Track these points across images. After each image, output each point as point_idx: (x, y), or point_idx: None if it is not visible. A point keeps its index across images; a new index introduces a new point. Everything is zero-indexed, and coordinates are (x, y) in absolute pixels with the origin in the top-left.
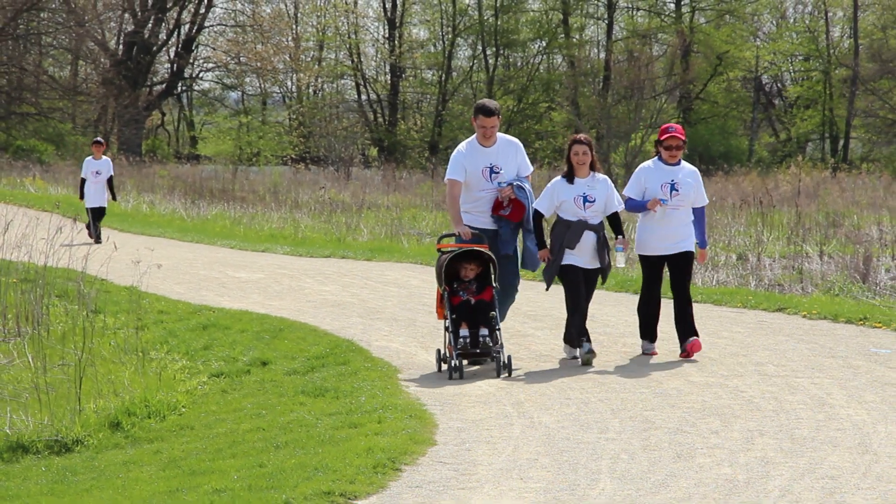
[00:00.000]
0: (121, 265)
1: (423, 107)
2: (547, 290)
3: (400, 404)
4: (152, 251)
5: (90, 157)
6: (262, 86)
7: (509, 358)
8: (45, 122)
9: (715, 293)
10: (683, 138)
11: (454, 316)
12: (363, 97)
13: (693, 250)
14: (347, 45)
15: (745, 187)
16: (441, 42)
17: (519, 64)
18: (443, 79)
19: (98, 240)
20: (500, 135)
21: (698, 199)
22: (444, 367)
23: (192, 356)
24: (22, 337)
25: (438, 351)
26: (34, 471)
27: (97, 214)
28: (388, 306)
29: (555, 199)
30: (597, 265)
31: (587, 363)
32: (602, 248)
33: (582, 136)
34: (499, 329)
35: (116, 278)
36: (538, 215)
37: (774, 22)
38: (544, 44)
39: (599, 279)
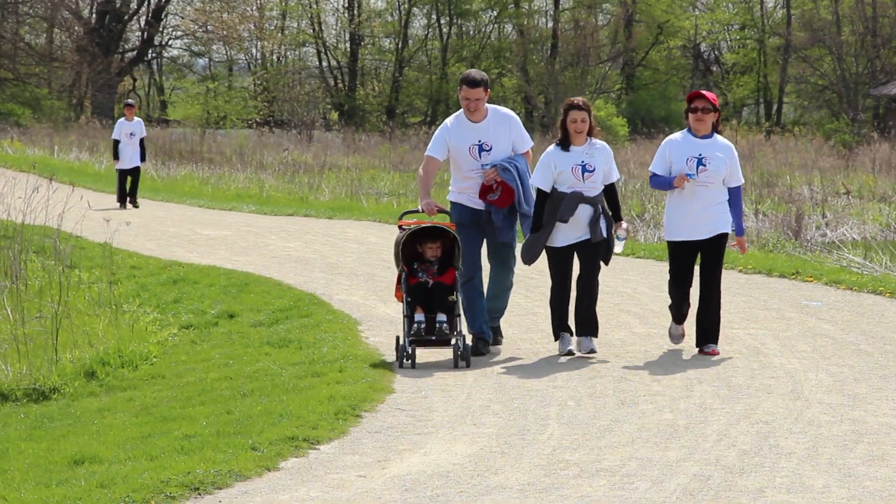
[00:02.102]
0: (94, 223)
1: (380, 73)
2: (528, 264)
3: (360, 354)
4: (123, 210)
5: (122, 119)
6: (229, 53)
7: (467, 347)
8: (22, 87)
9: (657, 249)
10: (716, 103)
11: (409, 299)
12: (324, 64)
13: (728, 232)
14: (309, 15)
15: None
16: (398, 12)
17: (471, 33)
18: (399, 47)
19: (129, 204)
20: (492, 107)
21: (732, 178)
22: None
23: (163, 309)
24: (1, 291)
25: (397, 339)
26: (13, 417)
27: (133, 174)
28: (349, 262)
29: (552, 170)
30: (587, 237)
31: (568, 354)
32: (596, 221)
33: (580, 99)
34: (458, 315)
35: (90, 235)
36: (542, 195)
37: None
38: (495, 13)
39: (602, 261)
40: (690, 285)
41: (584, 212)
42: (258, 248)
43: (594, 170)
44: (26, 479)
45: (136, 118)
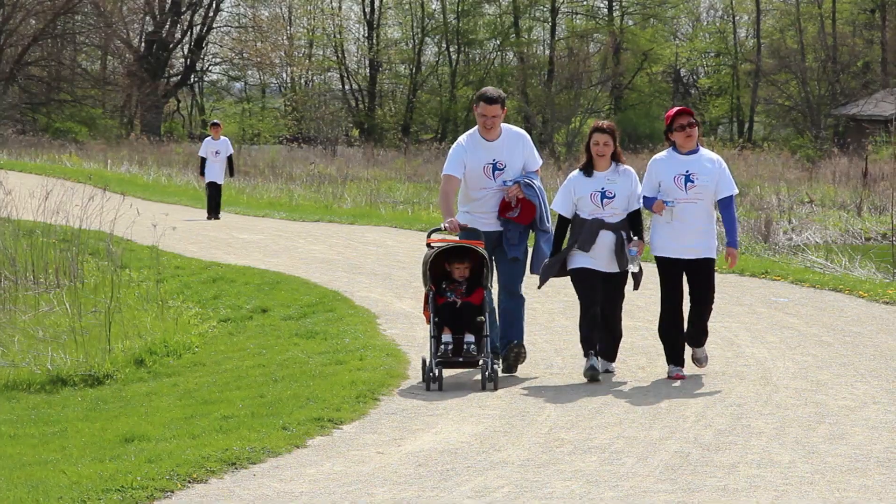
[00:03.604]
0: (143, 228)
1: (396, 95)
2: (539, 287)
3: (378, 344)
4: (166, 216)
5: (209, 138)
6: (262, 77)
7: (495, 370)
8: (79, 108)
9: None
10: (695, 118)
11: (437, 319)
12: (346, 87)
13: (714, 257)
14: (333, 43)
15: None
16: (412, 41)
17: (477, 59)
18: (413, 72)
19: (213, 216)
20: (505, 126)
21: (722, 188)
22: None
23: (204, 304)
24: (60, 288)
25: (424, 360)
26: (71, 400)
27: (216, 190)
28: (368, 263)
29: (573, 196)
30: (615, 269)
31: (591, 379)
32: (622, 249)
33: (604, 123)
34: (487, 336)
35: (139, 239)
36: (562, 221)
37: (691, 24)
38: (498, 42)
39: (630, 285)
40: (681, 316)
41: (605, 238)
42: (288, 250)
43: (614, 196)
44: (83, 455)
45: (222, 137)
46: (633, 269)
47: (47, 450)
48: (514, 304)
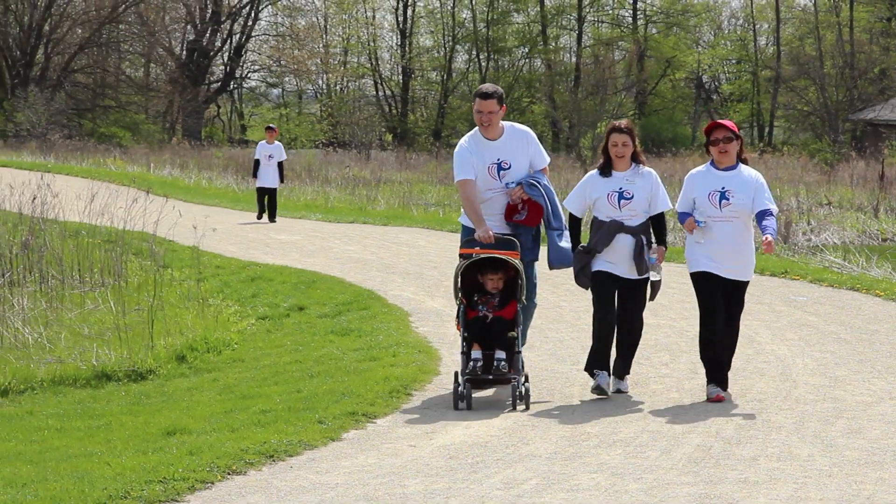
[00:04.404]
0: (184, 229)
1: (428, 101)
2: (584, 286)
3: (410, 342)
4: (207, 218)
5: (263, 142)
6: (299, 84)
7: (527, 389)
8: (123, 114)
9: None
10: (736, 130)
11: (466, 334)
12: (380, 93)
13: (749, 279)
14: (367, 51)
15: (689, 166)
16: (443, 48)
17: (506, 66)
18: (444, 78)
19: (262, 217)
20: (507, 124)
21: (758, 204)
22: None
23: (243, 303)
24: (105, 287)
25: (456, 375)
26: (116, 394)
27: (270, 194)
28: (401, 263)
29: (587, 196)
30: (635, 275)
31: (598, 393)
32: (641, 254)
33: (623, 122)
34: (519, 352)
35: (181, 239)
36: (573, 220)
37: (713, 32)
38: (527, 50)
39: (648, 293)
40: (720, 333)
41: (623, 242)
42: (323, 250)
43: (632, 197)
44: (127, 448)
45: (276, 142)
46: (653, 276)
47: (92, 442)
48: (524, 310)
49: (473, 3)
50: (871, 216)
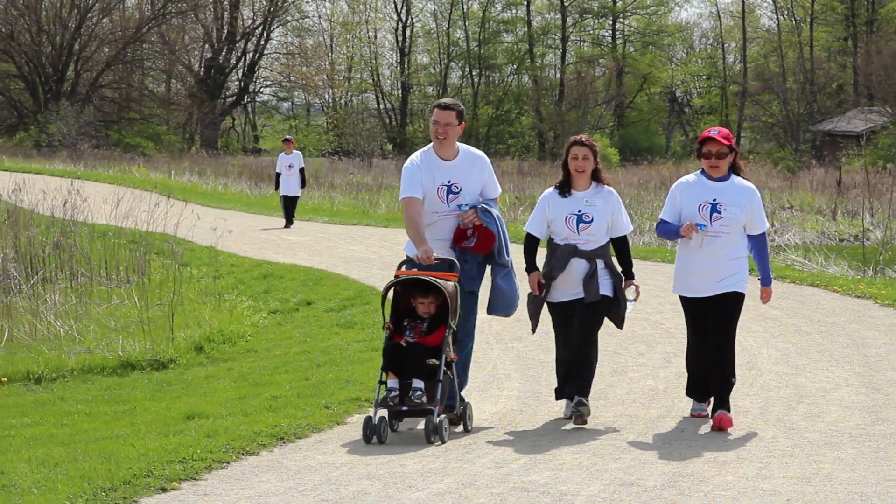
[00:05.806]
0: (202, 231)
1: (425, 113)
2: (533, 331)
3: None
4: (225, 221)
5: (283, 153)
6: (307, 98)
7: (440, 421)
8: (146, 125)
9: (642, 251)
10: (730, 143)
11: (382, 362)
12: (381, 106)
13: (742, 291)
14: (369, 68)
15: (664, 173)
16: (439, 65)
17: (496, 81)
18: (440, 93)
19: (290, 226)
20: (462, 147)
21: (754, 225)
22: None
23: (256, 298)
24: (130, 284)
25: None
26: (139, 382)
27: (291, 202)
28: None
29: (546, 216)
30: (581, 295)
31: (575, 420)
32: (592, 277)
33: (583, 136)
34: (440, 381)
35: (199, 240)
36: (532, 240)
37: (685, 51)
38: (515, 67)
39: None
40: (708, 349)
41: (577, 266)
42: (330, 250)
43: (591, 220)
44: (150, 430)
45: (294, 151)
46: (628, 310)
47: (119, 426)
48: (459, 343)
49: (467, 24)
50: (829, 219)
